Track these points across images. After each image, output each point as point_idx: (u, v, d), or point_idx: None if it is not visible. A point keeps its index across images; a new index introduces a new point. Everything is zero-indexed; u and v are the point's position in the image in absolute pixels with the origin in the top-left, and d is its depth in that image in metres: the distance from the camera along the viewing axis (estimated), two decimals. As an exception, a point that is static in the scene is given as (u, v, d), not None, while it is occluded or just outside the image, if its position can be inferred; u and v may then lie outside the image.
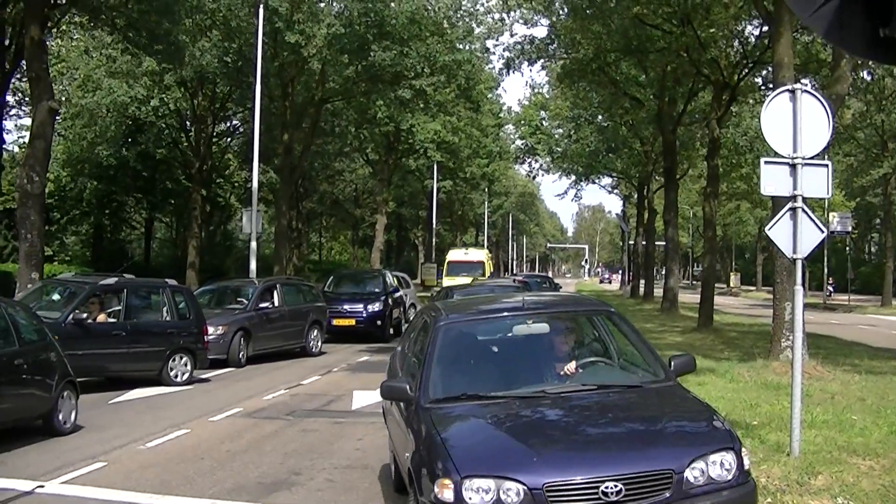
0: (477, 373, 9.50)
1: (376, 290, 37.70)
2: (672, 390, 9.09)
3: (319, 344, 31.18)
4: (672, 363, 9.35)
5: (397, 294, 40.03)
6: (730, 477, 7.65)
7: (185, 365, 22.85)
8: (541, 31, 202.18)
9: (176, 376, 22.57)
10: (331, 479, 12.71)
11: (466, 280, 45.34)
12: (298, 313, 30.33)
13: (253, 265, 39.75)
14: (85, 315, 20.91)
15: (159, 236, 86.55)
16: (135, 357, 21.77)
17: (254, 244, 40.55)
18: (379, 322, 36.01)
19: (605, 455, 7.67)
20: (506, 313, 10.60)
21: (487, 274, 60.74)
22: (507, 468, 7.36)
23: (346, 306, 35.52)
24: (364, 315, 35.73)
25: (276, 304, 29.68)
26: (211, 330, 25.30)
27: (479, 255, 66.99)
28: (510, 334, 10.12)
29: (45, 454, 14.11)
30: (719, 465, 7.64)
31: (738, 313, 54.48)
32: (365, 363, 28.33)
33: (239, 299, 29.45)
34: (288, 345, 29.69)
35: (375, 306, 36.12)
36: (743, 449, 7.95)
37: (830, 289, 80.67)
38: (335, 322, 34.39)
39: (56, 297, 22.22)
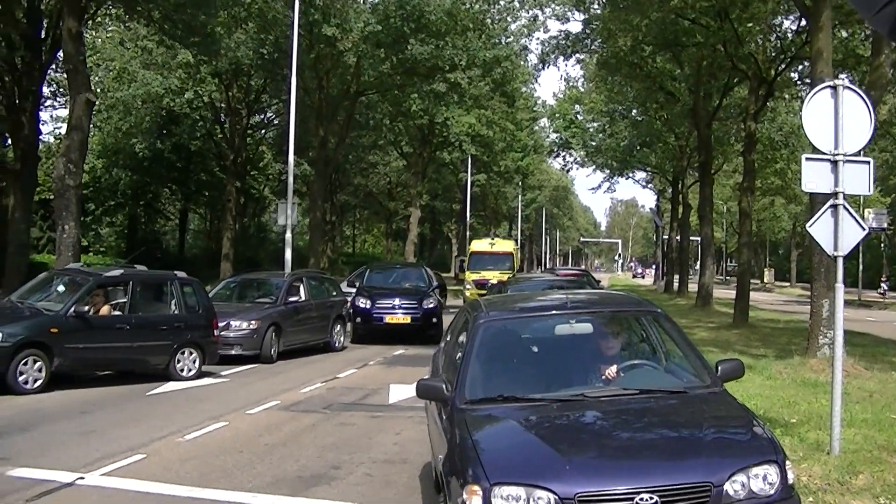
0: (516, 373, 9.25)
1: (423, 284, 35.63)
2: (717, 397, 8.74)
3: (342, 339, 30.75)
4: (719, 368, 9.03)
5: (438, 290, 37.95)
6: (772, 492, 7.32)
7: (194, 360, 22.35)
8: (574, 27, 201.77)
9: (183, 371, 22.09)
10: (369, 474, 12.68)
11: (493, 274, 50.45)
12: (324, 307, 29.96)
13: (288, 256, 39.70)
14: (87, 308, 20.37)
15: (193, 227, 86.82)
16: (140, 351, 21.36)
17: (289, 235, 40.49)
18: (434, 319, 32.93)
19: (642, 465, 7.38)
20: (548, 312, 10.32)
21: (516, 268, 56.51)
22: (538, 476, 7.12)
23: (398, 301, 33.18)
24: (419, 312, 32.92)
25: (304, 297, 29.23)
26: (244, 325, 25.41)
27: (507, 246, 59.45)
28: (552, 334, 9.82)
29: (85, 446, 14.14)
30: (762, 479, 7.31)
31: (773, 309, 54.17)
32: (401, 357, 28.28)
33: (267, 293, 29.04)
34: (314, 340, 29.28)
35: (430, 302, 33.41)
36: (787, 462, 7.61)
37: (885, 286, 79.54)
38: (387, 320, 32.60)
39: (62, 288, 21.67)
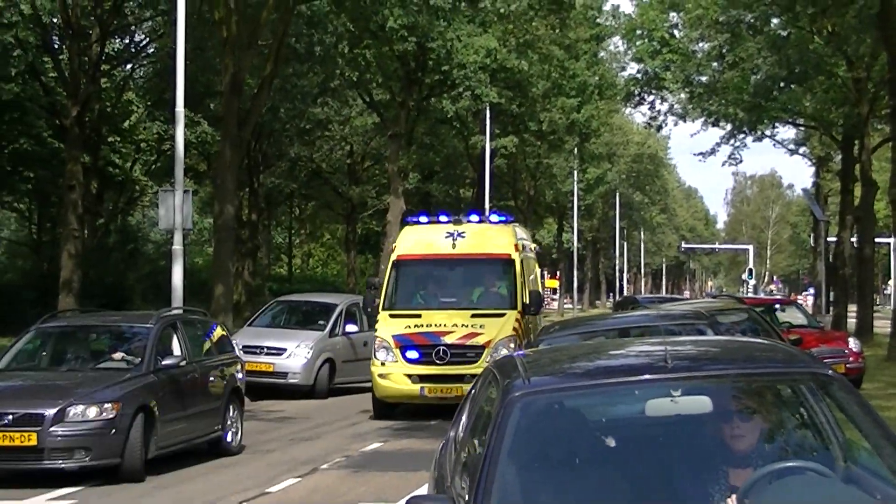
0: (578, 485, 9.02)
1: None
2: None
3: (239, 432, 29.86)
4: None
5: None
6: None
7: None
8: None
9: None
10: None
11: (456, 319, 35.93)
12: (213, 375, 29.33)
13: (178, 280, 39.64)
14: None
15: (7, 236, 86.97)
16: None
17: (178, 247, 40.44)
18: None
19: None
20: (634, 377, 9.90)
21: (523, 298, 37.08)
22: None
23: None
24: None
25: (181, 357, 27.99)
26: (90, 412, 23.80)
27: (492, 239, 39.83)
28: (640, 415, 9.55)
29: None
30: None
31: None
32: (377, 454, 28.54)
33: (119, 350, 27.70)
34: (199, 434, 28.26)
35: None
36: None
37: None
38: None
39: None
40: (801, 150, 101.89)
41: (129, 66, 71.30)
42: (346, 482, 24.37)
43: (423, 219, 42.35)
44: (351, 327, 41.60)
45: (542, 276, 64.12)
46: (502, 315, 36.09)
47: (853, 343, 42.26)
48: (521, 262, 38.20)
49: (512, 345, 33.82)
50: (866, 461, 9.02)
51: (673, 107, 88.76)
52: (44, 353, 27.20)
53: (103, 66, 64.03)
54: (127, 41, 69.39)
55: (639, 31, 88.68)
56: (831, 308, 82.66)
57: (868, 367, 42.68)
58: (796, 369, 10.11)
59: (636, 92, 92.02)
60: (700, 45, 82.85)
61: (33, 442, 21.75)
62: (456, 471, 10.35)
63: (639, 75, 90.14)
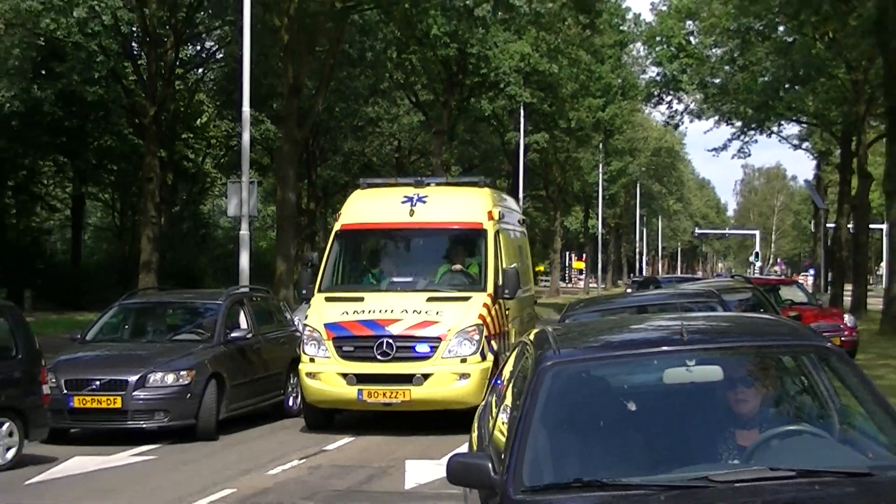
0: (602, 445, 9.02)
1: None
2: None
3: (299, 398, 28.49)
4: None
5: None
6: None
7: (10, 434, 20.78)
8: None
9: None
10: None
11: (409, 303, 26.07)
12: (276, 346, 29.34)
13: (245, 263, 39.81)
14: None
15: (94, 222, 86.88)
16: None
17: (245, 232, 40.48)
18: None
19: None
20: (653, 348, 9.93)
21: (494, 275, 27.15)
22: None
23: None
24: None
25: (248, 330, 27.96)
26: (168, 378, 24.08)
27: (459, 203, 29.50)
28: (659, 383, 9.57)
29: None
30: None
31: None
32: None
33: (191, 325, 28.21)
34: (265, 399, 28.31)
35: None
36: None
37: None
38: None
39: None
40: (804, 145, 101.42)
41: (200, 71, 71.35)
42: (394, 442, 24.22)
43: (380, 180, 32.61)
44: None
45: (565, 258, 62.76)
46: (466, 299, 25.73)
47: (848, 319, 42.05)
48: (497, 234, 27.46)
49: (477, 336, 24.40)
50: (860, 424, 9.06)
51: (689, 106, 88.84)
52: (126, 327, 27.09)
53: (177, 71, 64.10)
54: (198, 48, 69.41)
55: (658, 38, 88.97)
56: (829, 287, 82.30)
57: (861, 341, 42.28)
58: (799, 342, 10.14)
59: (656, 93, 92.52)
60: (713, 50, 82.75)
61: (118, 405, 21.74)
62: (492, 433, 10.39)
63: (658, 78, 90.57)
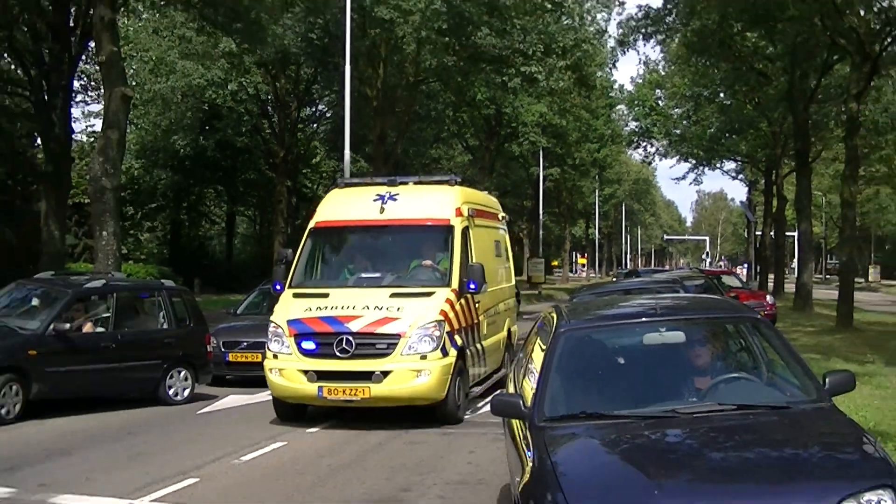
0: (600, 388, 9.23)
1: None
2: (825, 413, 8.53)
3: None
4: (827, 381, 8.75)
5: None
6: None
7: (186, 379, 21.46)
8: (655, 1, 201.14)
9: (175, 395, 21.20)
10: (443, 496, 12.71)
11: (377, 299, 19.65)
12: None
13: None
14: (68, 325, 19.16)
15: (241, 231, 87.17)
16: (127, 372, 20.31)
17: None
18: None
19: (740, 489, 7.17)
20: (636, 319, 10.24)
21: (456, 271, 20.47)
22: (624, 502, 7.05)
23: None
24: None
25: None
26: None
27: (430, 200, 22.48)
28: (640, 344, 9.72)
29: (133, 470, 14.28)
30: None
31: (880, 311, 53.62)
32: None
33: None
34: None
35: None
36: None
37: None
38: None
39: (35, 301, 20.37)
40: (740, 176, 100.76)
41: (315, 125, 71.29)
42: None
43: (357, 180, 25.85)
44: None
45: (573, 256, 62.82)
46: (429, 294, 20.18)
47: (769, 298, 42.64)
48: (467, 230, 21.83)
49: (437, 333, 18.97)
50: (781, 373, 9.26)
51: (658, 149, 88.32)
52: (264, 304, 26.53)
53: (299, 126, 64.20)
54: (313, 109, 69.30)
55: (636, 101, 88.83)
56: (757, 276, 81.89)
57: (779, 314, 42.27)
58: (738, 315, 10.55)
59: (635, 140, 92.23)
60: (675, 110, 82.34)
61: (258, 359, 21.15)
62: (523, 379, 10.42)
63: (636, 129, 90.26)
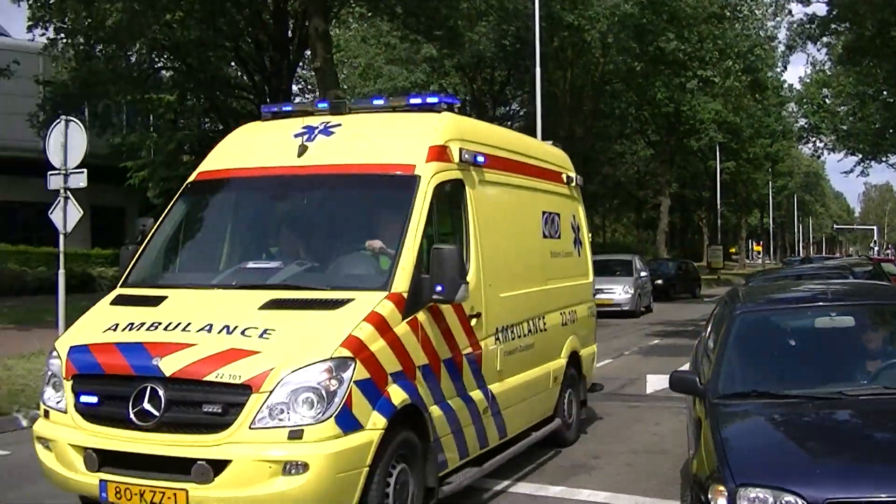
0: (771, 368, 8.95)
1: None
2: None
3: None
4: None
5: None
6: None
7: None
8: (819, 8, 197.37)
9: None
10: (630, 464, 12.61)
11: (195, 312, 8.81)
12: None
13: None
14: None
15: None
16: None
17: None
18: None
19: None
20: (809, 304, 10.02)
21: (407, 261, 9.04)
22: (786, 479, 6.74)
23: None
24: None
25: None
26: None
27: (379, 138, 10.39)
28: (812, 327, 9.45)
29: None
30: None
31: None
32: (656, 347, 27.96)
33: None
34: None
35: None
36: None
37: None
38: None
39: None
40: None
41: (509, 123, 71.51)
42: (640, 362, 24.07)
43: (289, 108, 11.56)
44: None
45: (748, 244, 61.11)
46: (337, 304, 8.54)
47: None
48: (455, 189, 10.26)
49: (333, 384, 7.80)
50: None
51: (826, 144, 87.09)
52: None
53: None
54: (507, 108, 69.61)
55: (805, 100, 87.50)
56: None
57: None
58: None
59: (804, 135, 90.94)
60: (841, 107, 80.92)
61: None
62: (702, 357, 10.26)
63: (806, 126, 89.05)
